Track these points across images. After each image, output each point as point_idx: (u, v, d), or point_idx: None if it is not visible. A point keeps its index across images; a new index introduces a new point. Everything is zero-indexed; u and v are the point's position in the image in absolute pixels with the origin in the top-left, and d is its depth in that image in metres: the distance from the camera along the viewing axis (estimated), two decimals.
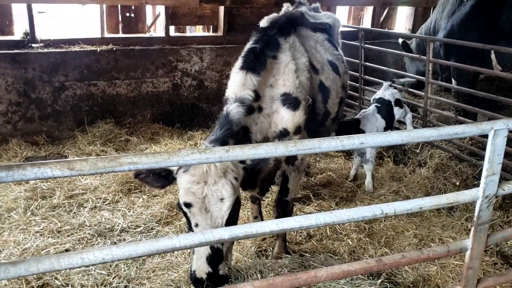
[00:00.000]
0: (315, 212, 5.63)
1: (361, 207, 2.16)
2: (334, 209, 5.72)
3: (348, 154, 7.24)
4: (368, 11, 10.13)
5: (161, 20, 8.18)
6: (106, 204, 5.65)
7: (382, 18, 10.23)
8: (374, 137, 2.04)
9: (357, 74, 8.11)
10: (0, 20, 7.42)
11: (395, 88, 6.75)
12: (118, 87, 7.78)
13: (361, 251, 4.82)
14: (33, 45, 7.25)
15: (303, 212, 5.62)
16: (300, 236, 5.11)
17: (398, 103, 6.54)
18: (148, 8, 8.74)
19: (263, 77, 3.79)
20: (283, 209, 4.38)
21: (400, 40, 8.49)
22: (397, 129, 7.08)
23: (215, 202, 3.06)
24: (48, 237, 4.95)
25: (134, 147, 7.36)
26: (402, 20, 10.65)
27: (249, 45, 4.03)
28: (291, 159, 4.16)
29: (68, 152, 7.06)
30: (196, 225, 3.11)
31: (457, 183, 6.14)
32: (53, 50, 7.28)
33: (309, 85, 4.16)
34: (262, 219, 5.08)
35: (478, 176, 6.21)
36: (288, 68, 3.96)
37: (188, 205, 3.07)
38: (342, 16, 10.62)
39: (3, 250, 4.70)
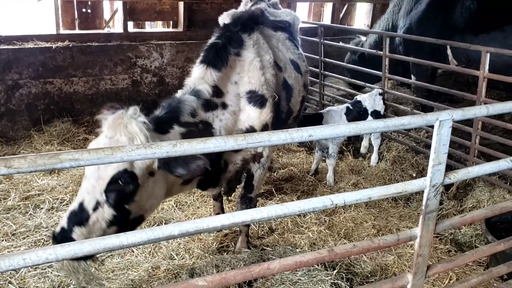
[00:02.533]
0: None
1: (312, 198, 2.18)
2: None
3: (309, 148, 7.33)
4: (328, 7, 10.25)
5: (119, 16, 8.03)
6: (63, 205, 5.52)
7: (341, 14, 10.37)
8: (322, 130, 2.07)
9: (317, 70, 8.18)
10: None
11: (384, 100, 6.67)
12: (75, 84, 7.60)
13: (321, 243, 4.88)
14: None
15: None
16: (262, 230, 5.14)
17: (377, 114, 6.47)
18: (106, 4, 8.54)
19: (225, 74, 3.79)
20: (248, 206, 4.38)
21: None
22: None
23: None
24: (2, 240, 4.80)
25: None
26: (361, 16, 10.83)
27: (211, 40, 4.01)
28: (257, 157, 4.17)
29: (24, 152, 6.85)
30: (85, 179, 2.92)
31: (414, 175, 6.30)
32: (5, 47, 7.04)
33: (275, 82, 4.19)
34: None
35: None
36: (253, 65, 3.96)
37: None
38: (302, 12, 10.73)
39: None
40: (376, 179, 6.30)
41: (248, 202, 4.37)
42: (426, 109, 7.54)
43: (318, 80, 8.25)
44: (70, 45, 7.41)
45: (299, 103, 4.83)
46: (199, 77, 3.70)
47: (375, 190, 2.30)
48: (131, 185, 2.90)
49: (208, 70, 3.71)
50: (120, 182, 2.84)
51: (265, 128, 3.99)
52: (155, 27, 9.50)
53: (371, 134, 6.61)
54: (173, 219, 5.32)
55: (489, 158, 5.62)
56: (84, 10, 7.83)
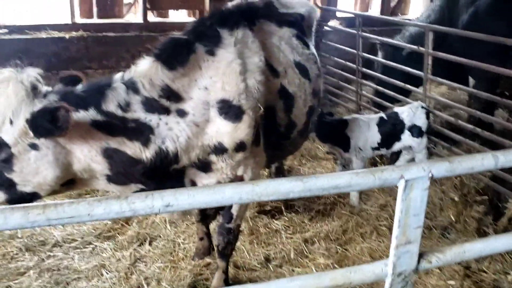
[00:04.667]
0: (284, 229, 4.94)
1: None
2: (307, 225, 4.96)
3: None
4: None
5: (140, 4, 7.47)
6: None
7: (394, 3, 9.20)
8: (185, 197, 1.28)
9: (354, 66, 7.19)
10: None
11: (428, 113, 5.49)
12: (90, 76, 7.13)
13: None
14: None
15: (268, 228, 4.86)
16: (256, 260, 4.37)
17: (416, 130, 5.37)
18: None
19: (184, 75, 3.00)
20: (225, 237, 3.63)
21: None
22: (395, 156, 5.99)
23: None
24: None
25: None
26: (418, 5, 9.57)
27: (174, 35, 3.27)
28: (236, 181, 3.37)
29: None
30: None
31: (456, 199, 5.23)
32: (17, 36, 6.71)
33: (262, 91, 3.33)
34: (209, 240, 4.34)
35: (483, 191, 5.29)
36: (230, 68, 3.14)
37: None
38: (348, 1, 9.67)
39: None
40: None
41: (226, 233, 3.60)
42: (484, 123, 6.06)
43: (355, 78, 7.26)
44: (85, 35, 6.97)
45: (305, 114, 3.95)
46: (143, 69, 2.96)
47: (295, 282, 1.47)
48: (3, 153, 2.68)
49: (155, 64, 2.94)
50: None
51: (240, 147, 3.17)
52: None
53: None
54: (160, 236, 4.69)
55: None
56: None
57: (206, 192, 1.34)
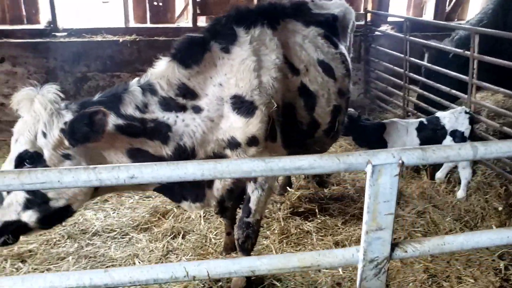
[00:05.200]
0: (315, 231, 4.92)
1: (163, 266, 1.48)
2: (339, 229, 4.91)
3: None
4: None
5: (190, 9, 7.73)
6: (93, 203, 5.35)
7: (449, 7, 8.90)
8: (146, 169, 1.37)
9: (402, 70, 7.03)
10: (27, 9, 7.42)
11: (471, 119, 5.27)
12: None
13: None
14: (56, 34, 7.16)
15: (300, 229, 4.86)
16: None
17: (458, 136, 5.17)
18: None
19: (199, 72, 3.15)
20: (244, 231, 3.69)
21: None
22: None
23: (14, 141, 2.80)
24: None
25: None
26: (476, 9, 9.19)
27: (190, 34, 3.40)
28: None
29: None
30: None
31: (500, 208, 4.99)
32: (75, 39, 7.15)
33: (278, 88, 3.40)
34: None
35: None
36: (244, 65, 3.25)
37: None
38: (401, 4, 9.45)
39: None
40: (450, 210, 5.12)
41: (245, 227, 3.66)
42: None
43: (402, 83, 7.10)
44: (137, 39, 7.30)
45: (329, 113, 3.95)
46: (160, 71, 3.13)
47: (262, 260, 1.52)
48: (38, 166, 2.70)
49: (171, 64, 3.11)
50: (25, 163, 2.74)
51: (252, 141, 3.24)
52: None
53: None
54: (193, 230, 4.82)
55: None
56: (155, 3, 7.66)
57: (170, 167, 1.42)
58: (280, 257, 1.59)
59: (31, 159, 2.73)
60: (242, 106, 3.20)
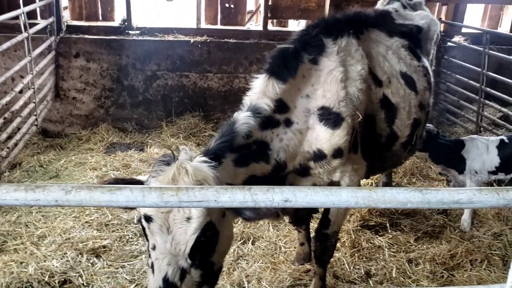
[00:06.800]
0: (387, 246, 4.81)
1: None
2: (412, 245, 4.78)
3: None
4: (509, 11, 8.49)
5: (262, 13, 7.74)
6: None
7: None
8: (304, 194, 1.33)
9: (477, 84, 6.77)
10: (103, 6, 7.63)
11: None
12: (209, 80, 7.55)
13: None
14: (130, 32, 7.33)
15: (371, 243, 4.76)
16: (356, 273, 4.31)
17: None
18: (250, 0, 8.32)
19: (293, 85, 3.11)
20: (322, 243, 3.64)
21: None
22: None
23: (180, 221, 2.41)
24: (95, 229, 4.85)
25: None
26: None
27: (282, 45, 3.35)
28: (332, 183, 3.41)
29: (150, 142, 7.04)
30: (154, 248, 2.48)
31: None
32: (148, 38, 7.29)
33: (363, 99, 3.34)
34: (309, 246, 4.37)
35: None
36: (332, 76, 3.20)
37: (148, 218, 2.45)
38: (475, 16, 9.12)
39: (49, 235, 4.70)
40: None
41: (323, 239, 3.61)
42: None
43: (477, 97, 6.84)
44: (208, 40, 7.36)
45: (408, 126, 3.83)
46: (260, 90, 3.07)
47: None
48: (213, 236, 2.58)
49: (270, 81, 3.06)
50: (203, 238, 2.48)
51: (337, 153, 3.18)
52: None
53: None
54: (263, 237, 4.81)
55: None
56: (227, 5, 7.70)
57: (323, 193, 1.38)
58: None
59: (210, 231, 2.52)
60: (329, 117, 3.15)
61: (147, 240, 2.57)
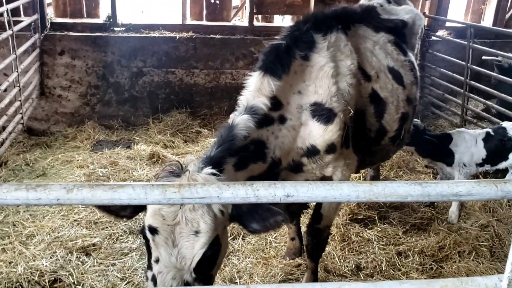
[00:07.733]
0: (376, 239, 4.85)
1: None
2: (401, 238, 4.84)
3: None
4: (491, 5, 8.61)
5: (246, 8, 7.72)
6: None
7: (510, 14, 8.65)
8: (306, 189, 1.34)
9: (462, 78, 6.86)
10: (87, 3, 7.53)
11: None
12: (196, 76, 7.52)
13: None
14: (115, 28, 7.25)
15: (360, 237, 4.80)
16: (347, 267, 4.34)
17: None
18: None
19: (286, 82, 3.12)
20: (314, 238, 3.67)
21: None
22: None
23: (187, 235, 2.35)
24: (84, 227, 4.81)
25: (204, 139, 7.04)
26: None
27: (274, 41, 3.34)
28: (324, 180, 3.43)
29: (137, 139, 6.99)
30: (157, 261, 2.39)
31: None
32: (133, 34, 7.23)
33: (353, 94, 3.37)
34: (300, 242, 4.40)
35: None
36: (322, 72, 3.22)
37: (153, 230, 2.37)
38: (458, 10, 9.23)
39: (37, 234, 4.64)
40: None
41: (315, 234, 3.64)
42: None
43: (461, 90, 6.94)
44: (194, 36, 7.33)
45: (397, 121, 3.88)
46: (255, 88, 3.05)
47: (403, 285, 1.48)
48: (217, 249, 2.53)
49: (265, 78, 3.05)
50: (209, 253, 2.43)
51: (330, 148, 3.20)
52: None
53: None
54: None
55: None
56: (212, 1, 7.67)
57: (325, 187, 1.39)
58: (423, 282, 1.55)
59: (216, 245, 2.49)
60: (322, 113, 3.16)
61: (149, 252, 2.48)
